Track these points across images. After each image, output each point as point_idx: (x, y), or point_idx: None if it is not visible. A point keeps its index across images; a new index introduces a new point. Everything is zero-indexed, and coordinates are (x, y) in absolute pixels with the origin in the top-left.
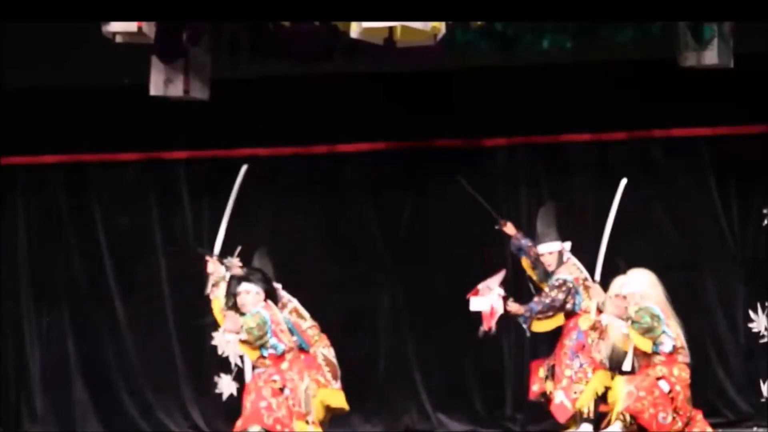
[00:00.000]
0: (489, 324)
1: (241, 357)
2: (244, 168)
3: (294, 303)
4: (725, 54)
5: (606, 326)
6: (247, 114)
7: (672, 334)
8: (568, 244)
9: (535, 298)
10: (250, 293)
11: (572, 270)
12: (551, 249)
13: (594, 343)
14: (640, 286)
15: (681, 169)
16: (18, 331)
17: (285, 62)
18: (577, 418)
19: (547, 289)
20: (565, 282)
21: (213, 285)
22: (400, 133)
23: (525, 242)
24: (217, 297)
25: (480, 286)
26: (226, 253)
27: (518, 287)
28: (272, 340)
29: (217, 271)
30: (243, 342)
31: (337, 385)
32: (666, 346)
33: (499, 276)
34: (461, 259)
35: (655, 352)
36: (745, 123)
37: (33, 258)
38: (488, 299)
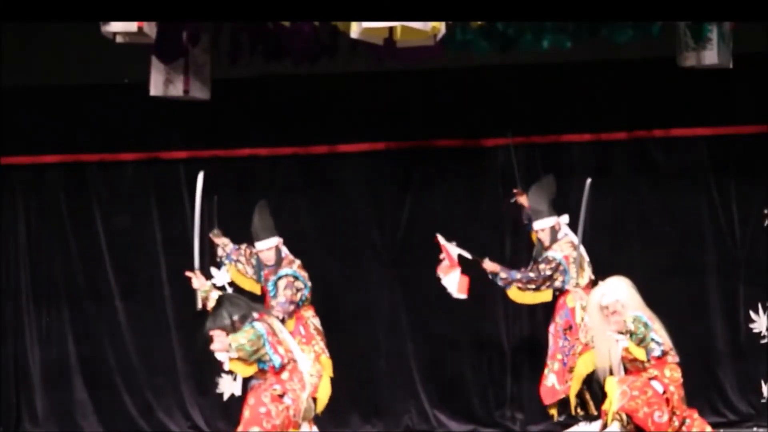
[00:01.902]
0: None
1: None
2: (201, 175)
3: (298, 261)
4: (725, 54)
5: (591, 332)
6: (247, 114)
7: (659, 339)
8: (565, 218)
9: (522, 269)
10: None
11: (564, 248)
12: (544, 225)
13: (582, 324)
14: (620, 294)
15: (681, 169)
16: (18, 331)
17: (285, 62)
18: (567, 405)
19: (534, 264)
20: (554, 259)
21: (203, 299)
22: (400, 133)
23: None
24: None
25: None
26: (205, 265)
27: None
28: (270, 353)
29: (203, 285)
30: (234, 360)
31: (327, 352)
32: (656, 352)
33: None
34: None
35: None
36: (745, 123)
37: (33, 258)
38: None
